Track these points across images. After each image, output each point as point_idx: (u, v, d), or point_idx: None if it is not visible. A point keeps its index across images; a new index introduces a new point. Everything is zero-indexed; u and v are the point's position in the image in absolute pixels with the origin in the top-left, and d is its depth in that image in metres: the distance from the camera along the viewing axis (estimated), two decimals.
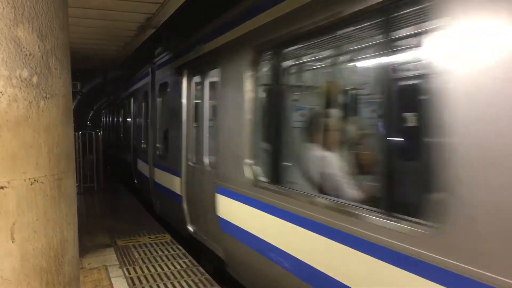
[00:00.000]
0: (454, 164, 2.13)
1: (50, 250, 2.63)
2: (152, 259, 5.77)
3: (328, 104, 4.06)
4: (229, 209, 4.84)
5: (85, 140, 11.66)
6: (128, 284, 4.90)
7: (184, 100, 6.60)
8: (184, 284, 4.90)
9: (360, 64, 4.52)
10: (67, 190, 2.77)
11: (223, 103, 5.10)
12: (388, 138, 2.71)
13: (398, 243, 2.45)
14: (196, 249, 6.13)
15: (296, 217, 3.49)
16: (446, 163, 2.17)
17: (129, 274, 5.23)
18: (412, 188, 2.79)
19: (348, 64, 4.51)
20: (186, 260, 5.71)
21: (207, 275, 5.17)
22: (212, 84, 5.81)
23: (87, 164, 11.60)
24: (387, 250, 2.52)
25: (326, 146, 3.84)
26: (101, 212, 9.39)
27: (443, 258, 2.17)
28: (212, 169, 5.44)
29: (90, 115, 38.96)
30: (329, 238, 3.09)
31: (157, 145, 8.49)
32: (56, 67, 2.71)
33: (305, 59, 4.80)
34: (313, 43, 3.96)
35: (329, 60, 4.57)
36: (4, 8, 2.43)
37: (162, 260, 5.73)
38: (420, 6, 2.53)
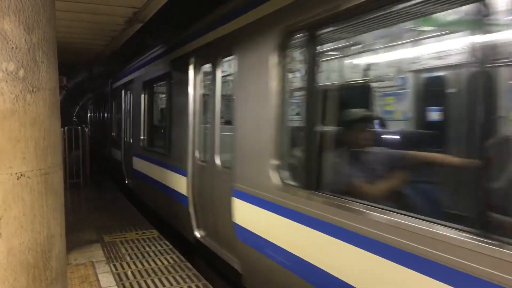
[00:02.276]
0: None
1: (37, 245, 2.60)
2: (139, 255, 5.75)
3: None
4: (249, 216, 4.34)
5: (71, 136, 11.52)
6: (115, 280, 4.88)
7: (191, 93, 5.99)
8: (171, 279, 4.90)
9: None
10: (54, 184, 2.75)
11: (242, 96, 4.54)
12: None
13: None
14: (204, 256, 5.75)
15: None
16: None
17: (116, 270, 5.20)
18: None
19: None
20: (174, 256, 5.70)
21: (194, 271, 5.17)
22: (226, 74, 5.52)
23: (73, 160, 11.48)
24: None
25: None
26: (87, 208, 9.30)
27: None
28: (227, 169, 4.95)
29: (76, 110, 38.54)
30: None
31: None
32: (43, 61, 2.68)
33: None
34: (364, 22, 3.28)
35: None
36: None
37: (150, 256, 5.71)
38: None
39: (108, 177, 13.35)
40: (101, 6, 6.26)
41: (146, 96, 9.16)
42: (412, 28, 4.17)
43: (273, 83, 3.85)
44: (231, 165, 4.72)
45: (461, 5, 2.59)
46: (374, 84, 5.08)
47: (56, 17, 3.10)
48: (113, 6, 6.26)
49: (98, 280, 4.88)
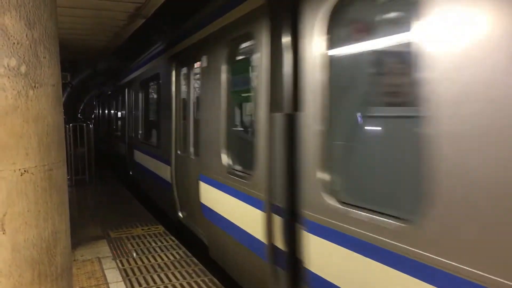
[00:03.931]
0: None
1: (41, 241, 2.60)
2: (145, 251, 5.75)
3: None
4: (135, 155, 10.16)
5: (76, 133, 11.55)
6: (122, 276, 4.89)
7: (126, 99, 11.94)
8: (177, 274, 4.90)
9: None
10: (58, 180, 2.74)
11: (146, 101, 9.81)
12: None
13: None
14: (133, 183, 10.75)
15: None
16: None
17: (122, 265, 5.21)
18: None
19: None
20: (180, 251, 5.71)
21: (200, 266, 5.17)
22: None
23: (78, 157, 11.52)
24: None
25: None
26: (93, 204, 9.34)
27: None
28: (128, 137, 11.33)
29: (81, 107, 38.63)
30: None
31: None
32: (44, 56, 2.66)
33: None
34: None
35: None
36: None
37: (155, 251, 5.71)
38: None
39: (113, 173, 13.36)
40: (104, 2, 6.23)
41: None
42: None
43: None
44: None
45: None
46: None
47: (59, 13, 3.09)
48: (115, 2, 6.23)
49: (104, 276, 4.89)
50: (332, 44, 2.92)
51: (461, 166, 1.90)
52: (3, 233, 2.44)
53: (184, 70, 6.40)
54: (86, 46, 10.09)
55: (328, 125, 2.93)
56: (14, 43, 2.49)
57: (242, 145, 4.56)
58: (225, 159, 4.49)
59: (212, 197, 4.88)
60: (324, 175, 2.93)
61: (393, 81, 2.91)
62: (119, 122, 13.83)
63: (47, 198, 2.64)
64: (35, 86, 2.59)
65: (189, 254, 5.60)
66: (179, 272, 4.98)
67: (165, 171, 7.04)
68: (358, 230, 2.58)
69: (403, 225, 2.26)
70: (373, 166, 2.93)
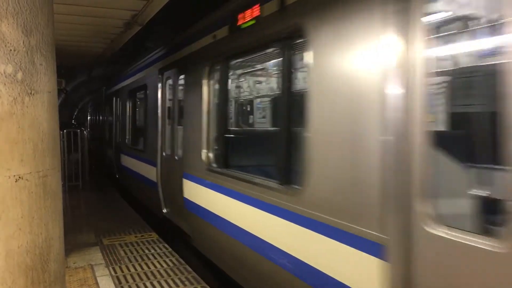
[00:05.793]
0: None
1: (35, 247, 2.60)
2: (138, 258, 5.73)
3: None
4: (103, 148, 15.49)
5: (70, 139, 11.52)
6: (114, 283, 4.87)
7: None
8: (170, 282, 4.89)
9: None
10: (52, 187, 2.74)
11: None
12: None
13: None
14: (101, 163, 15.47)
15: None
16: None
17: (115, 273, 5.19)
18: None
19: None
20: (173, 259, 5.69)
21: (194, 274, 5.16)
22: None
23: (72, 163, 11.47)
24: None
25: None
26: (86, 210, 9.28)
27: None
28: (98, 137, 17.37)
29: (75, 113, 38.55)
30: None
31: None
32: (41, 63, 2.68)
33: None
34: None
35: None
36: None
37: (149, 259, 5.70)
38: None
39: (106, 179, 13.33)
40: (100, 9, 6.27)
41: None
42: None
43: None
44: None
45: None
46: None
47: (56, 20, 3.11)
48: (112, 9, 6.27)
49: (97, 283, 4.86)
50: None
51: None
52: None
53: (124, 97, 11.18)
54: (82, 52, 10.11)
55: None
56: (10, 50, 2.51)
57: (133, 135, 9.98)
58: (128, 141, 10.22)
59: (124, 160, 10.39)
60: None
61: None
62: (95, 128, 20.44)
63: (42, 204, 2.64)
64: (31, 93, 2.60)
65: (183, 261, 5.59)
66: (172, 279, 4.97)
67: (111, 152, 12.62)
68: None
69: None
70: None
